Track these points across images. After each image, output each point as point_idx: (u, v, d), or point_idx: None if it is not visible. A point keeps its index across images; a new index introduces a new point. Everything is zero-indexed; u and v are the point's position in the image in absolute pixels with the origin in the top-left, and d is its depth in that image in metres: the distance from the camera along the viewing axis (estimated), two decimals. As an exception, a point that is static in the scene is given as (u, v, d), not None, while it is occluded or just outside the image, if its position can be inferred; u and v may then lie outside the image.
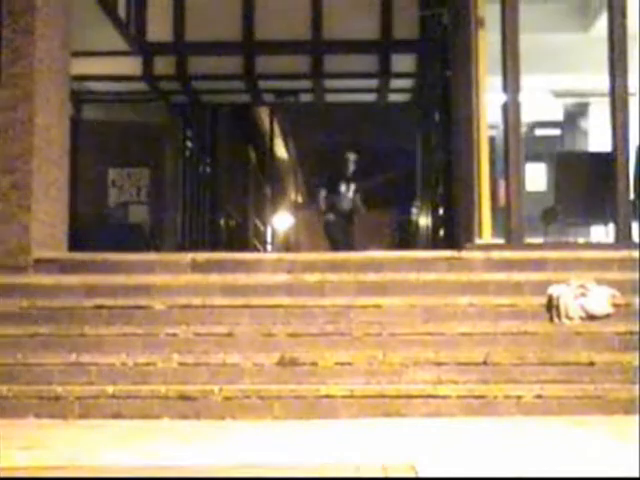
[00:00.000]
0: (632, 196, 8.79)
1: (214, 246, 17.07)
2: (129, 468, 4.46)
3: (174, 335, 7.14)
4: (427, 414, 6.42)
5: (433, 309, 7.39)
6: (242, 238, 21.77)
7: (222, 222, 19.80)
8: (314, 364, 6.85)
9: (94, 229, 14.61)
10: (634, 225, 8.76)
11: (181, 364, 6.85)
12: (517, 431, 5.78)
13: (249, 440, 5.55)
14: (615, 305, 7.22)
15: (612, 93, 8.72)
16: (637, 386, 6.42)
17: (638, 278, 7.39)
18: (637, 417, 5.97)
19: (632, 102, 8.87)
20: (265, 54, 14.62)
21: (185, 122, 17.86)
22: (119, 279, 7.82)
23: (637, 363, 6.60)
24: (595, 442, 5.32)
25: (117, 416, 6.40)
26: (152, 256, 8.78)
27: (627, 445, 5.03)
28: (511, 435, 5.64)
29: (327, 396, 6.53)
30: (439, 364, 6.82)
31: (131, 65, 14.70)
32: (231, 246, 18.11)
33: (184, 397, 6.50)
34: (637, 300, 7.20)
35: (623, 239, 8.60)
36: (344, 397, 6.51)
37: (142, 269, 8.07)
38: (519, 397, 6.43)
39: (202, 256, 8.31)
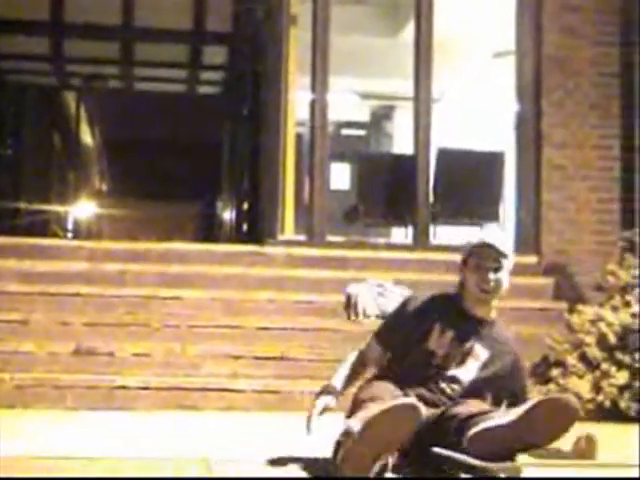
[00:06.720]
0: (431, 199, 9.04)
1: (13, 231, 16.58)
2: None
3: (-35, 322, 6.93)
4: (223, 408, 6.43)
5: (233, 303, 7.42)
6: (42, 224, 21.23)
7: (22, 207, 19.27)
8: (111, 354, 6.77)
9: None
10: (431, 228, 9.02)
11: (-29, 351, 6.65)
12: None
13: (39, 430, 5.43)
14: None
15: (416, 98, 8.95)
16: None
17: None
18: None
19: (435, 108, 9.13)
20: (74, 37, 14.26)
21: (-12, 102, 17.28)
22: None
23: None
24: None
25: None
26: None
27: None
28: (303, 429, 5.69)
29: (122, 387, 6.46)
30: (236, 358, 6.85)
31: None
32: (31, 232, 17.61)
33: (-27, 385, 6.31)
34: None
35: (421, 241, 8.84)
36: (139, 389, 6.46)
37: None
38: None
39: (-2, 241, 8.09)
